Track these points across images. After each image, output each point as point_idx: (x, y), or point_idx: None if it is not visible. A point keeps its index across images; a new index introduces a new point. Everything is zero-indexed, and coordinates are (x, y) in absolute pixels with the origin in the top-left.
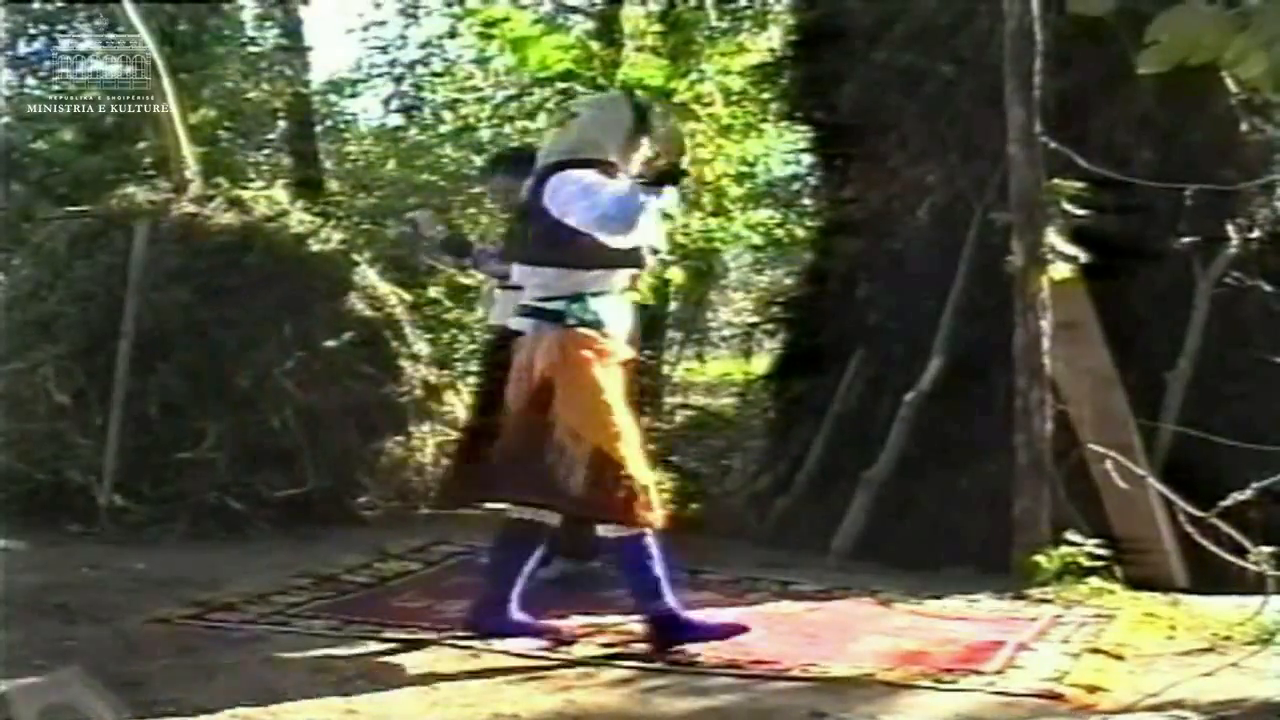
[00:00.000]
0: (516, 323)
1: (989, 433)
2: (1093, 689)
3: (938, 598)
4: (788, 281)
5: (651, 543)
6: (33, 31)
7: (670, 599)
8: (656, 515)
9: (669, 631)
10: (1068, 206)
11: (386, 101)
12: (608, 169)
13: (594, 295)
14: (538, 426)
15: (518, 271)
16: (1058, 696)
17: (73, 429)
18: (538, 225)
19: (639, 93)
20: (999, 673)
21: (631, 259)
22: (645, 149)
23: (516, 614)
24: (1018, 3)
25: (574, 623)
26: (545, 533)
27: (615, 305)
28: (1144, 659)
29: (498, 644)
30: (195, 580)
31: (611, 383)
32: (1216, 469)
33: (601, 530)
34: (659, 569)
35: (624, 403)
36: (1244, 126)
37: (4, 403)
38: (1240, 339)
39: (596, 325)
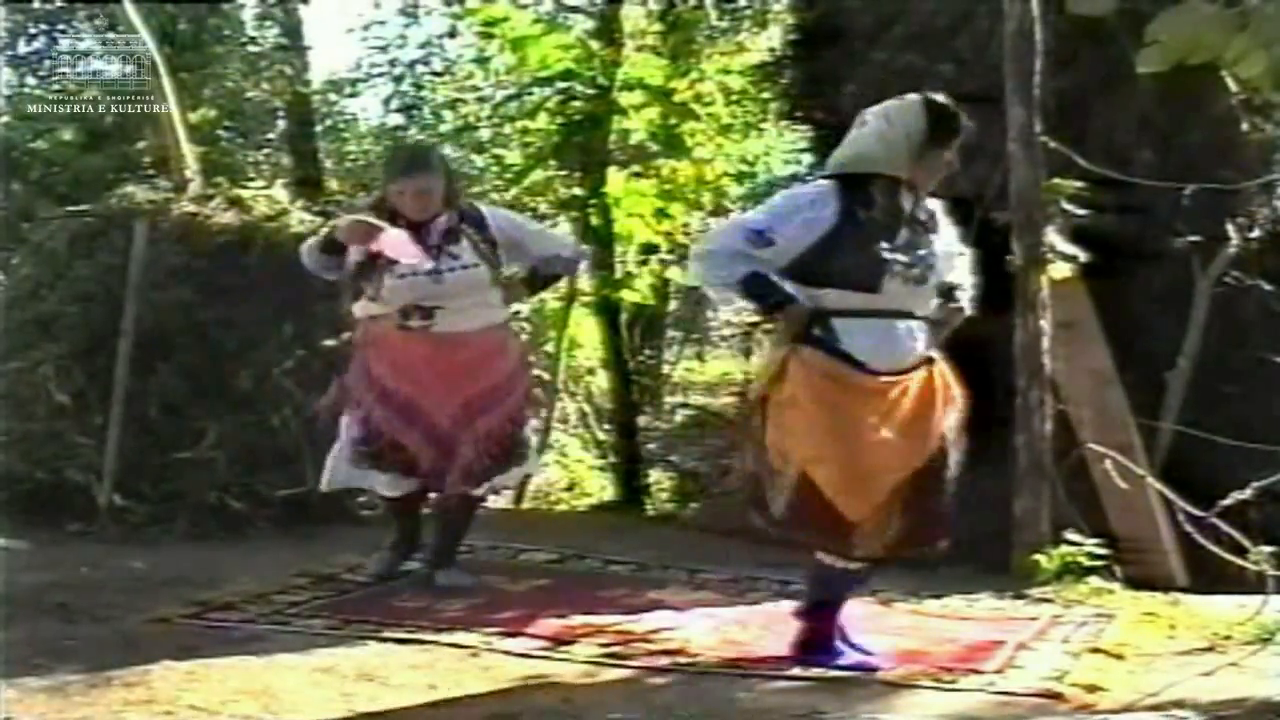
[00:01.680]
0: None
1: (989, 433)
2: (1092, 688)
3: (938, 597)
4: None
5: (849, 572)
6: (33, 31)
7: (835, 625)
8: (862, 551)
9: (813, 649)
10: (1067, 206)
11: (386, 101)
12: (892, 185)
13: (836, 315)
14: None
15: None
16: (1057, 696)
17: (73, 429)
18: None
19: (941, 98)
20: (999, 672)
21: (864, 280)
22: (948, 161)
23: (841, 646)
24: (1018, 3)
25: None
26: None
27: (871, 329)
28: (1144, 659)
29: (499, 644)
30: (195, 580)
31: (838, 406)
32: (1216, 469)
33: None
34: (846, 598)
35: (862, 429)
36: (1244, 126)
37: (4, 403)
38: (1240, 339)
39: (829, 346)
